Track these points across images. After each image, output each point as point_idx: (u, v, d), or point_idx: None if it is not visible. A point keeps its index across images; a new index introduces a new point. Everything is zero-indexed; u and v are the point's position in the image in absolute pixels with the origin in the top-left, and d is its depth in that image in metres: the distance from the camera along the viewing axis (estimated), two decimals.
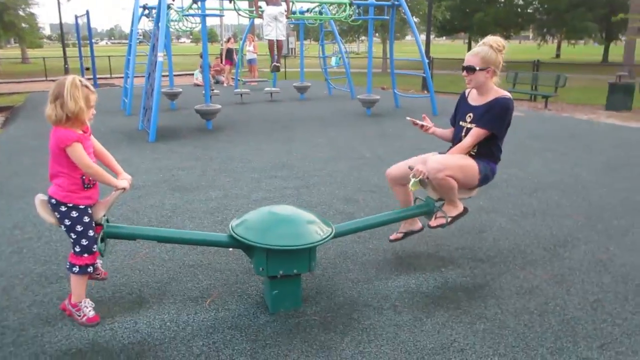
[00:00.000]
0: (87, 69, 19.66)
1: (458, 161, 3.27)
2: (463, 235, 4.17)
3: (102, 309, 3.08)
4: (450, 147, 3.53)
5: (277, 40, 9.86)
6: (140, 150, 7.65)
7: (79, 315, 2.92)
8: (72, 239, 2.81)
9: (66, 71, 25.72)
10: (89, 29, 18.92)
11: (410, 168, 3.35)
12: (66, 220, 2.78)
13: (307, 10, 11.79)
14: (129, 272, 3.58)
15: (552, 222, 4.51)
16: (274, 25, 9.66)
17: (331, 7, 11.89)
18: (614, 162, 6.85)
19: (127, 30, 13.66)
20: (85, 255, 2.81)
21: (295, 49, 20.54)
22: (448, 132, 3.66)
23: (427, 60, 11.89)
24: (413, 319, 2.94)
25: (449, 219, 3.41)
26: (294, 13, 10.89)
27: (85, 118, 2.75)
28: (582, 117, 11.53)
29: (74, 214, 2.78)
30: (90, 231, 2.82)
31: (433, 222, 3.43)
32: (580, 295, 3.21)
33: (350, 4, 10.42)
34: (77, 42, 20.82)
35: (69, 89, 2.64)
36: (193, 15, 9.71)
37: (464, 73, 3.31)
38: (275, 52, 10.05)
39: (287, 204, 4.99)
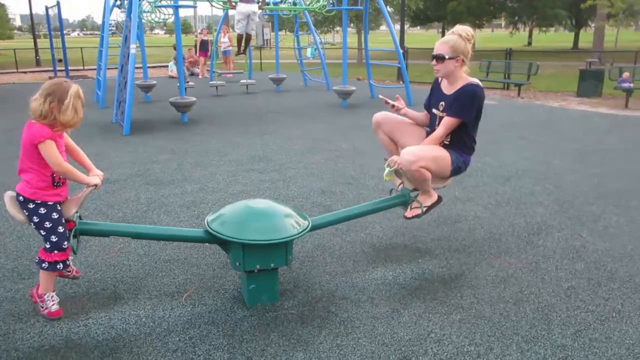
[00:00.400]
0: (60, 60, 19.23)
1: (431, 152, 3.29)
2: (439, 225, 4.21)
3: (76, 305, 3.04)
4: (427, 132, 3.55)
5: (245, 34, 10.12)
6: (114, 144, 7.53)
7: (42, 307, 2.90)
8: (42, 235, 2.75)
9: (37, 63, 25.20)
10: (60, 19, 18.47)
11: (385, 159, 3.36)
12: (34, 217, 2.72)
13: (282, 1, 11.69)
14: (104, 268, 3.53)
15: (526, 210, 4.58)
16: (245, 23, 9.87)
17: None
18: (585, 148, 7.00)
19: (99, 21, 13.39)
20: (56, 252, 2.76)
21: (270, 40, 20.35)
22: (421, 115, 3.65)
23: (401, 51, 11.92)
24: (390, 311, 2.95)
25: (424, 209, 3.43)
26: (268, 4, 10.79)
27: (74, 127, 2.77)
28: (553, 105, 11.74)
29: (42, 210, 2.72)
30: (60, 227, 2.76)
31: (409, 213, 3.45)
32: (554, 283, 3.27)
33: None
34: (47, 33, 20.31)
35: (72, 98, 2.66)
36: (165, 6, 9.55)
37: (434, 62, 3.32)
38: (243, 44, 10.39)
39: (264, 197, 4.99)
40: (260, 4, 10.05)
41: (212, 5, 9.54)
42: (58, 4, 17.24)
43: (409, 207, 3.49)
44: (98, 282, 3.33)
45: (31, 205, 2.71)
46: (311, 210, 4.61)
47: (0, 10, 30.86)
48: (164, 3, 9.54)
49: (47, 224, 2.72)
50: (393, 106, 3.57)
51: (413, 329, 2.77)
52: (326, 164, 6.27)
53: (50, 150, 2.63)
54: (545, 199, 4.87)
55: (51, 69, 20.34)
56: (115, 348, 2.63)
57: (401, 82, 14.65)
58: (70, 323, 2.85)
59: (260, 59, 22.52)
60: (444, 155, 3.32)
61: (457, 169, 3.40)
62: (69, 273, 3.11)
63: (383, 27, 37.50)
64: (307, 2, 11.47)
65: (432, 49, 3.32)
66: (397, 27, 19.59)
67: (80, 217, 3.06)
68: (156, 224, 4.33)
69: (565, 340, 2.68)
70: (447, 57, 3.24)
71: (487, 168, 5.95)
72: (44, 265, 2.78)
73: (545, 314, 2.92)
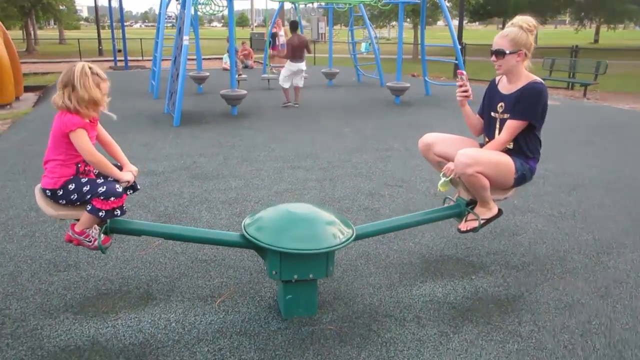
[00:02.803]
0: (120, 50, 19.76)
1: (491, 157, 2.95)
2: (495, 238, 3.85)
3: (107, 303, 2.94)
4: (486, 141, 3.22)
5: (295, 87, 10.30)
6: (163, 135, 7.52)
7: (90, 242, 2.78)
8: (91, 197, 2.62)
9: (100, 52, 26.07)
10: (121, 11, 18.97)
11: (440, 165, 3.06)
12: (72, 196, 2.62)
13: None
14: (139, 265, 3.42)
15: (594, 224, 4.15)
16: (290, 79, 10.20)
17: None
18: None
19: None
20: (112, 198, 2.62)
21: (324, 34, 20.14)
22: (475, 119, 3.31)
23: (459, 47, 11.43)
24: (438, 334, 2.66)
25: (482, 222, 3.10)
26: None
27: (102, 105, 2.63)
28: (624, 107, 10.94)
29: (71, 186, 2.62)
30: (99, 179, 2.66)
31: (464, 226, 3.13)
32: (629, 314, 2.87)
33: None
34: (111, 24, 20.95)
35: (78, 77, 2.52)
36: None
37: (493, 58, 2.98)
38: (289, 96, 10.41)
39: (309, 197, 4.78)
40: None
41: None
42: None
43: (464, 219, 3.17)
44: (132, 280, 3.22)
45: (60, 192, 2.61)
46: (357, 214, 4.36)
47: (67, 1, 32.10)
48: None
49: (86, 188, 2.61)
50: (461, 86, 3.14)
51: (464, 357, 2.48)
52: (375, 164, 5.99)
53: (83, 139, 2.54)
54: (617, 213, 4.41)
55: (112, 58, 20.92)
56: (141, 354, 2.49)
57: (465, 72, 14.15)
58: (99, 323, 2.74)
59: (314, 53, 22.35)
60: (507, 162, 2.98)
61: (522, 178, 3.04)
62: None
63: (440, 22, 36.58)
64: None
65: (492, 44, 2.99)
66: (455, 22, 18.93)
67: None
68: (196, 220, 4.21)
69: None
70: (507, 52, 2.91)
71: (550, 175, 5.49)
72: (100, 214, 2.63)
73: (618, 350, 2.55)
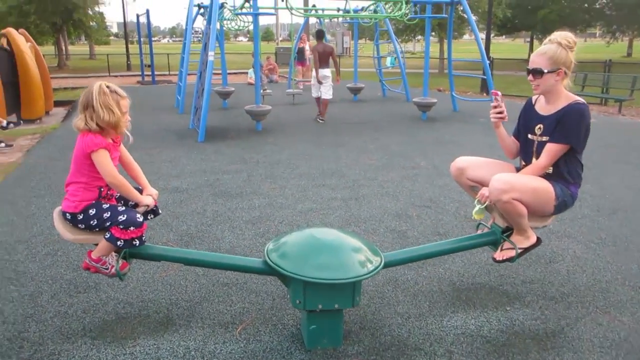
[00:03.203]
0: (147, 65, 20.06)
1: (529, 182, 2.77)
2: (531, 265, 3.65)
3: (126, 328, 2.85)
4: (522, 165, 3.04)
5: (321, 98, 10.37)
6: (188, 151, 7.50)
7: (106, 269, 2.70)
8: (110, 226, 2.55)
9: (128, 67, 26.58)
10: (149, 27, 19.27)
11: (475, 190, 2.89)
12: (91, 222, 2.55)
13: (362, 9, 11.38)
14: (160, 287, 3.33)
15: (638, 252, 3.91)
16: (317, 87, 10.31)
17: (387, 5, 11.41)
18: None
19: None
20: (132, 228, 2.55)
21: (349, 48, 20.09)
22: (510, 141, 3.13)
23: (487, 61, 11.23)
24: None
25: (519, 252, 2.91)
26: (348, 12, 10.51)
27: (122, 126, 2.56)
28: None
29: (92, 211, 2.55)
30: (120, 208, 2.58)
31: (499, 255, 2.94)
32: None
33: (407, 2, 9.94)
34: (139, 39, 21.33)
35: (96, 97, 2.47)
36: (246, 14, 9.50)
37: (530, 77, 2.81)
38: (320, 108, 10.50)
39: (334, 217, 4.65)
40: (337, 78, 10.53)
41: (291, 14, 9.38)
42: (147, 12, 17.97)
43: (500, 248, 2.98)
44: (152, 303, 3.13)
45: (80, 217, 2.54)
46: (384, 236, 4.21)
47: (98, 18, 32.88)
48: (244, 11, 9.49)
49: (106, 214, 2.54)
50: (496, 107, 2.95)
51: None
52: (402, 182, 5.83)
53: (104, 160, 2.48)
54: None
55: (140, 73, 21.26)
56: None
57: (485, 95, 13.89)
58: (117, 349, 2.65)
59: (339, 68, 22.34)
60: (546, 188, 2.79)
61: (563, 205, 2.85)
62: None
63: (466, 36, 36.29)
64: (389, 10, 11.06)
65: (519, 59, 2.83)
66: (482, 35, 18.71)
67: None
68: (219, 240, 4.12)
69: None
70: (546, 70, 2.74)
71: (587, 197, 5.23)
72: (119, 243, 2.56)
73: None
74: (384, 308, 3.08)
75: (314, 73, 10.35)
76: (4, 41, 10.45)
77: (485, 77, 11.20)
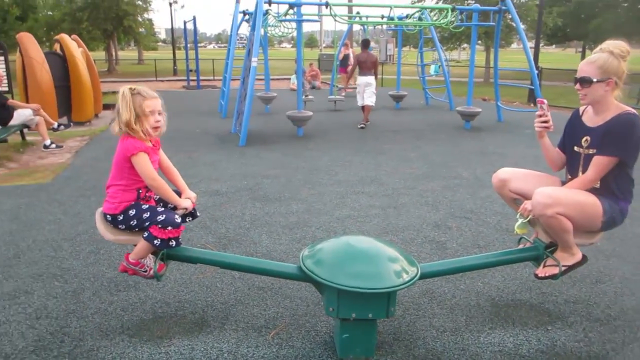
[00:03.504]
0: (192, 70, 20.53)
1: (574, 196, 2.65)
2: (575, 284, 3.50)
3: (162, 327, 2.90)
4: (568, 178, 2.93)
5: (364, 106, 10.54)
6: (229, 155, 7.61)
7: (145, 271, 2.75)
8: (149, 225, 2.59)
9: (174, 72, 27.26)
10: (195, 33, 19.73)
11: (517, 203, 2.80)
12: (131, 222, 2.60)
13: (407, 16, 11.30)
14: (197, 288, 3.37)
15: None
16: (362, 94, 10.49)
17: (432, 13, 11.29)
18: None
19: None
20: (169, 227, 2.58)
21: (393, 55, 19.99)
22: (555, 153, 3.01)
23: (536, 71, 10.94)
24: None
25: (563, 269, 2.79)
26: (392, 19, 10.46)
27: (149, 123, 2.56)
28: None
29: (132, 212, 2.60)
30: (159, 209, 2.61)
31: (541, 272, 2.83)
32: None
33: (453, 10, 9.82)
34: (186, 45, 21.88)
35: (120, 101, 2.54)
36: (289, 21, 9.59)
37: (578, 86, 2.69)
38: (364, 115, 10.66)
39: (372, 225, 4.61)
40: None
41: (335, 20, 9.41)
42: (194, 19, 18.40)
43: (543, 264, 2.87)
44: (188, 304, 3.17)
45: (120, 217, 2.60)
46: (421, 247, 4.14)
47: (147, 24, 33.93)
48: (288, 18, 9.58)
49: (146, 215, 2.59)
50: (541, 116, 2.86)
51: None
52: (443, 192, 5.73)
53: (144, 163, 2.53)
54: None
55: (185, 78, 21.77)
56: None
57: (532, 105, 13.52)
58: (152, 348, 2.70)
59: (382, 75, 22.25)
60: (593, 202, 2.67)
61: (611, 221, 2.71)
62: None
63: (514, 45, 35.51)
64: (434, 18, 10.95)
65: (569, 70, 2.72)
66: (531, 44, 18.27)
67: None
68: (256, 244, 4.15)
69: None
70: (594, 80, 2.62)
71: (638, 216, 5.00)
72: (155, 242, 2.60)
73: None
74: (419, 320, 3.02)
75: (358, 81, 10.56)
76: (57, 47, 10.88)
77: (532, 87, 10.91)
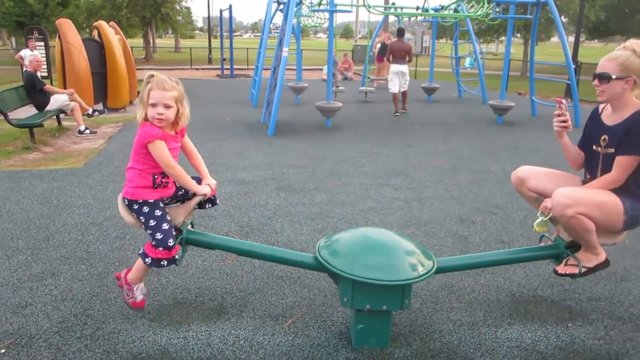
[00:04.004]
0: (225, 59, 20.70)
1: (594, 196, 2.57)
2: (599, 282, 3.42)
3: (181, 313, 2.96)
4: (587, 178, 2.85)
5: (402, 92, 10.98)
6: (257, 144, 7.67)
7: (128, 295, 2.81)
8: (149, 233, 2.65)
9: (209, 61, 27.55)
10: (230, 21, 19.89)
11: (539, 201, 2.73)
12: (140, 217, 2.65)
13: (442, 8, 11.12)
14: (217, 275, 3.43)
15: None
16: (397, 81, 10.84)
17: (468, 5, 11.08)
18: None
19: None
20: (161, 249, 2.62)
21: (428, 47, 19.67)
22: (575, 152, 2.94)
23: (573, 66, 10.62)
24: None
25: (583, 270, 2.71)
26: (427, 10, 10.31)
27: (158, 112, 2.52)
28: None
29: (145, 209, 2.64)
30: (165, 224, 2.63)
31: (562, 269, 2.76)
32: None
33: (489, 1, 9.61)
34: (221, 34, 22.08)
35: (142, 90, 2.57)
36: (323, 11, 9.57)
37: (596, 82, 2.62)
38: (400, 100, 11.11)
39: (394, 217, 4.59)
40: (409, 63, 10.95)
41: (369, 11, 9.34)
42: (230, 8, 18.53)
43: (564, 262, 2.80)
44: (208, 291, 3.23)
45: (135, 206, 2.65)
46: (443, 240, 4.10)
47: (184, 12, 34.34)
48: (321, 8, 9.57)
49: (152, 222, 2.63)
50: (560, 115, 2.81)
51: None
52: (469, 186, 5.66)
53: (160, 151, 2.54)
54: None
55: (220, 67, 21.98)
56: None
57: (569, 100, 13.16)
58: (171, 332, 2.76)
59: (416, 67, 21.98)
60: (614, 202, 2.58)
61: (633, 220, 2.62)
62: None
63: (554, 39, 34.54)
64: (470, 10, 10.75)
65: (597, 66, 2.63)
66: (571, 39, 17.73)
67: (192, 225, 2.97)
68: (278, 233, 4.19)
69: None
70: (613, 76, 2.54)
71: None
72: (147, 260, 2.66)
73: None
74: (436, 314, 3.00)
75: (391, 69, 10.91)
76: (95, 33, 11.13)
77: (569, 82, 10.61)
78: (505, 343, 2.72)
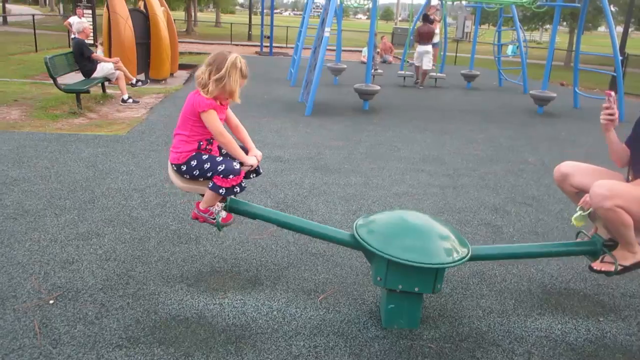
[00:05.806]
0: (266, 37, 20.73)
1: (633, 190, 2.54)
2: (635, 278, 3.38)
3: (218, 281, 3.07)
4: (631, 177, 2.80)
5: (421, 69, 12.63)
6: (294, 123, 7.73)
7: (213, 219, 2.90)
8: (212, 175, 2.74)
9: (249, 37, 27.63)
10: None
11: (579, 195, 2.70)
12: (194, 172, 2.77)
13: None
14: (252, 248, 3.54)
15: None
16: (421, 59, 12.53)
17: None
18: None
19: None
20: (231, 176, 2.73)
21: (470, 33, 19.30)
22: (621, 148, 2.88)
23: (620, 57, 10.29)
24: None
25: (619, 268, 2.68)
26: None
27: (235, 98, 2.73)
28: None
29: (193, 162, 2.76)
30: (219, 157, 2.76)
31: (597, 265, 2.74)
32: None
33: None
34: (262, 10, 22.08)
35: (229, 66, 2.64)
36: None
37: None
38: (420, 76, 12.85)
39: (428, 203, 4.61)
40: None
41: None
42: None
43: (600, 259, 2.78)
44: (243, 262, 3.33)
45: (184, 167, 2.77)
46: (477, 229, 4.11)
47: None
48: None
49: (207, 165, 2.74)
50: (608, 108, 2.76)
51: None
52: (505, 176, 5.61)
53: (213, 120, 2.67)
54: None
55: (259, 44, 22.04)
56: (240, 337, 2.56)
57: (614, 93, 12.77)
58: (208, 298, 2.88)
59: (456, 52, 21.60)
60: None
61: None
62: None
63: (601, 28, 33.35)
64: None
65: None
66: (619, 29, 17.11)
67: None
68: (312, 212, 4.26)
69: None
70: None
71: None
72: (220, 190, 2.75)
73: None
74: (466, 300, 3.04)
75: (418, 49, 12.51)
76: (141, 4, 11.31)
77: (615, 74, 10.30)
78: (534, 332, 2.74)
